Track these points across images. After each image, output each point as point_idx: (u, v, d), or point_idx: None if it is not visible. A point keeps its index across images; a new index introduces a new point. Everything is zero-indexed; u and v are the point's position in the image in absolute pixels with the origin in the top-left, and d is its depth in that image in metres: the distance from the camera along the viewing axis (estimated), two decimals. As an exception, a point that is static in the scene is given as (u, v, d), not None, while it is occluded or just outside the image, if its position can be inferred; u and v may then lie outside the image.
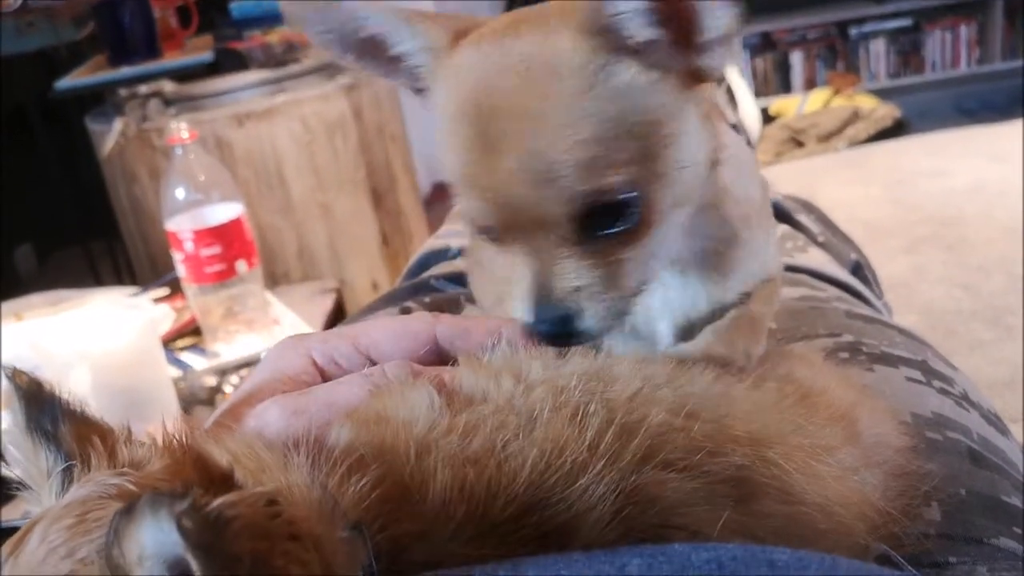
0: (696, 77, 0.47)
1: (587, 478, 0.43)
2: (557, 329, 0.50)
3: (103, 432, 0.47)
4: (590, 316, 0.49)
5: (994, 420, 0.79)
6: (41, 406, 0.47)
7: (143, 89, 2.51)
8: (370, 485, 0.42)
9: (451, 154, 0.49)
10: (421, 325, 0.57)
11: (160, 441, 0.46)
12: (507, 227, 0.49)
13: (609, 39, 0.45)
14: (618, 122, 0.45)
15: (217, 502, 0.32)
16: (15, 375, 0.48)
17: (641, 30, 0.45)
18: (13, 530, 0.41)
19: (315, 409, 0.52)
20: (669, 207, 0.48)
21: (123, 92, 2.53)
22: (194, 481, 0.41)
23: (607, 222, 0.47)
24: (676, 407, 0.47)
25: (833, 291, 1.01)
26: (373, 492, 0.42)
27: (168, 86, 2.55)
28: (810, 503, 0.47)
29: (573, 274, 0.49)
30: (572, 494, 0.43)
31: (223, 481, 0.41)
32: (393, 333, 0.57)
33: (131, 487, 0.41)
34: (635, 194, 0.46)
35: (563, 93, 0.45)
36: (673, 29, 0.45)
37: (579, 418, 0.45)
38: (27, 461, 0.46)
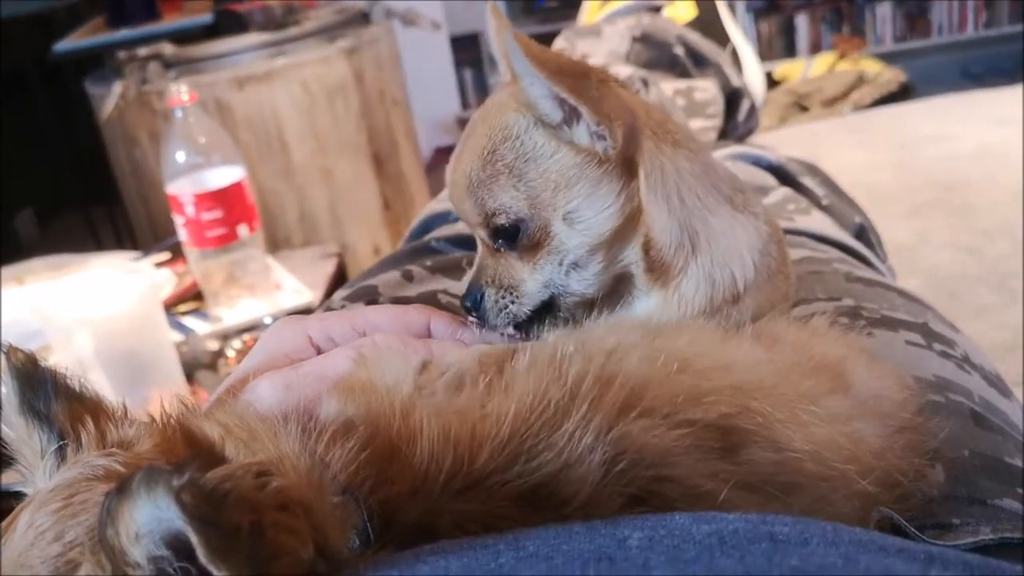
0: (602, 160, 0.60)
1: (571, 422, 0.44)
2: (469, 306, 0.64)
3: (96, 410, 0.47)
4: (487, 307, 0.63)
5: (996, 382, 0.79)
6: (35, 385, 0.47)
7: (142, 51, 2.49)
8: (358, 447, 0.42)
9: None
10: (418, 316, 0.60)
11: (153, 418, 0.46)
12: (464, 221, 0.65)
13: (533, 113, 0.60)
14: (515, 168, 0.61)
15: (211, 475, 0.32)
16: (10, 352, 0.48)
17: (551, 111, 0.60)
18: (12, 495, 0.41)
19: (305, 382, 0.53)
20: (557, 246, 0.62)
21: (122, 55, 2.51)
22: (185, 458, 0.41)
23: (505, 238, 0.62)
24: (652, 359, 0.49)
25: (834, 253, 1.01)
26: (361, 454, 0.42)
27: (167, 48, 2.52)
28: (797, 448, 0.47)
29: (490, 270, 0.64)
30: (558, 439, 0.43)
31: (213, 456, 0.42)
32: (390, 318, 0.60)
33: (119, 468, 0.41)
34: (522, 220, 0.61)
35: (487, 139, 0.61)
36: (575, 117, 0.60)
37: (559, 367, 0.47)
38: (21, 442, 0.46)
